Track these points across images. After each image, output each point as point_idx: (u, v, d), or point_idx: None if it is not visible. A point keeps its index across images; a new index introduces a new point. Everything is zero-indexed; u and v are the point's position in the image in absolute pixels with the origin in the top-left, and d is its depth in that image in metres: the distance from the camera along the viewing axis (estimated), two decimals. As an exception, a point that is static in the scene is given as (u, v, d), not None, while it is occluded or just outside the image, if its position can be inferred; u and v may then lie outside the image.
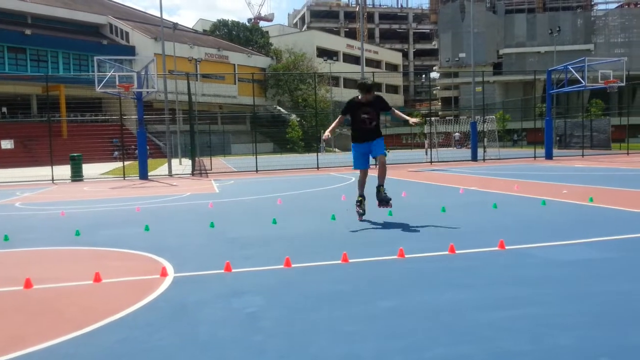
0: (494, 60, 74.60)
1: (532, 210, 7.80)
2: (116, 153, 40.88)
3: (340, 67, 68.46)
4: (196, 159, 25.11)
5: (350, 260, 4.84)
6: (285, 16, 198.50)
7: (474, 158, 25.12)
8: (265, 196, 11.54)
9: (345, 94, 65.00)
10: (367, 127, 7.28)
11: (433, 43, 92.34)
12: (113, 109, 39.79)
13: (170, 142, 26.11)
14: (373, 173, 7.47)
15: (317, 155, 24.53)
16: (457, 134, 43.80)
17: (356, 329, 3.12)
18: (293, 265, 4.74)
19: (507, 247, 5.16)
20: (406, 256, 4.94)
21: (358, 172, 7.57)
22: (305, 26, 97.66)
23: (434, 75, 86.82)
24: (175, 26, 44.09)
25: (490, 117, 35.14)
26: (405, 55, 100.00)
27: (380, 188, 7.19)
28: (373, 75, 31.85)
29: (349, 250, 5.08)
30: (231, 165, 29.33)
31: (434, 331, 3.04)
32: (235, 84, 64.22)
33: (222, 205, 10.13)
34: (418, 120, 7.74)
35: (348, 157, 35.90)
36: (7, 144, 25.04)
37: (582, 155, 25.99)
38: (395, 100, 79.56)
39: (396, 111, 7.83)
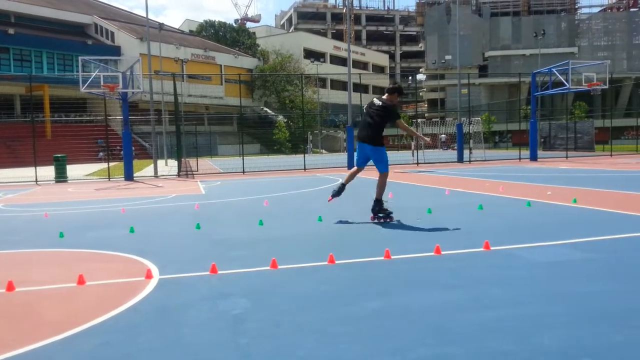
0: (480, 63, 75.21)
1: (518, 211, 7.87)
2: (101, 154, 40.44)
3: (327, 69, 68.45)
4: (182, 160, 24.95)
5: (337, 262, 4.83)
6: (272, 17, 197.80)
7: (460, 159, 25.28)
8: (252, 197, 11.50)
9: (332, 96, 65.15)
10: (367, 129, 7.34)
11: (419, 45, 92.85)
12: (98, 110, 39.41)
13: (156, 143, 25.92)
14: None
15: (304, 156, 24.53)
16: (443, 135, 44.05)
17: (342, 331, 3.11)
18: (279, 267, 4.72)
19: (492, 248, 5.19)
20: (392, 257, 4.94)
21: (349, 172, 7.80)
22: (292, 27, 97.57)
23: (420, 77, 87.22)
24: (161, 26, 43.84)
25: (476, 119, 35.41)
26: (392, 57, 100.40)
27: (376, 201, 7.25)
28: (360, 77, 31.92)
29: (335, 252, 5.07)
30: (218, 167, 29.19)
31: (420, 332, 3.04)
32: (222, 84, 63.93)
33: (208, 206, 10.07)
34: (429, 141, 8.07)
35: (335, 158, 35.83)
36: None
37: (567, 157, 26.29)
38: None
39: (403, 123, 7.74)
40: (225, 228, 7.28)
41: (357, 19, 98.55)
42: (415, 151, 25.89)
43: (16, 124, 43.34)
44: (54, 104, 47.48)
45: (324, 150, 59.82)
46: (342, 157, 28.55)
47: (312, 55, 73.10)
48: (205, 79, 61.33)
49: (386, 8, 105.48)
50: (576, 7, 78.45)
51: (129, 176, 19.51)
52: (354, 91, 27.85)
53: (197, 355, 2.83)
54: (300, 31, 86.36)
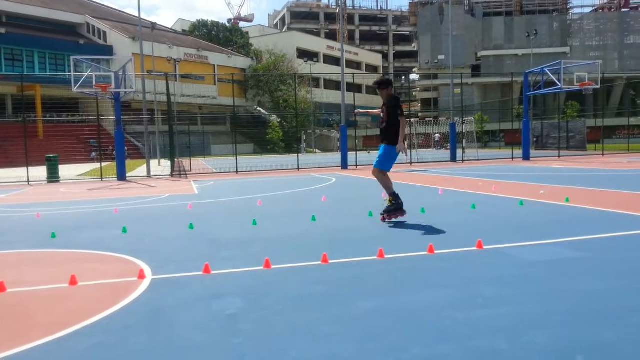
0: (473, 63, 75.43)
1: (510, 210, 7.90)
2: (93, 154, 40.24)
3: (320, 69, 68.43)
4: (175, 160, 24.87)
5: (330, 261, 4.83)
6: (266, 17, 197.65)
7: (453, 159, 25.36)
8: (245, 197, 11.48)
9: (326, 95, 65.15)
10: (380, 128, 7.27)
11: (413, 45, 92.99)
12: (90, 110, 39.19)
13: (148, 142, 25.80)
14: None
15: (298, 156, 24.51)
16: (436, 135, 44.18)
17: (335, 330, 3.11)
18: (273, 267, 4.72)
19: (485, 247, 5.21)
20: (386, 257, 4.95)
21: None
22: (285, 27, 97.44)
23: (413, 77, 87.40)
24: (153, 26, 43.68)
25: (469, 118, 35.55)
26: (385, 57, 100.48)
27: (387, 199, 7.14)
28: (353, 76, 31.92)
29: (329, 251, 5.08)
30: (211, 166, 29.12)
31: (413, 331, 3.05)
32: (215, 84, 63.73)
33: (201, 206, 10.05)
34: (405, 150, 7.54)
35: (329, 158, 35.78)
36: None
37: (559, 156, 26.42)
38: (375, 101, 79.86)
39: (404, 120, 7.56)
40: (218, 228, 7.27)
41: (350, 19, 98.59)
42: (408, 150, 25.99)
43: (8, 124, 43.02)
44: (45, 103, 47.17)
45: (317, 150, 59.82)
46: (336, 156, 28.55)
47: (306, 55, 73.06)
48: (198, 78, 61.14)
49: (379, 8, 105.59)
50: (568, 7, 78.81)
51: (121, 176, 19.42)
52: (347, 91, 27.85)
53: (191, 355, 2.82)
54: (294, 31, 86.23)
